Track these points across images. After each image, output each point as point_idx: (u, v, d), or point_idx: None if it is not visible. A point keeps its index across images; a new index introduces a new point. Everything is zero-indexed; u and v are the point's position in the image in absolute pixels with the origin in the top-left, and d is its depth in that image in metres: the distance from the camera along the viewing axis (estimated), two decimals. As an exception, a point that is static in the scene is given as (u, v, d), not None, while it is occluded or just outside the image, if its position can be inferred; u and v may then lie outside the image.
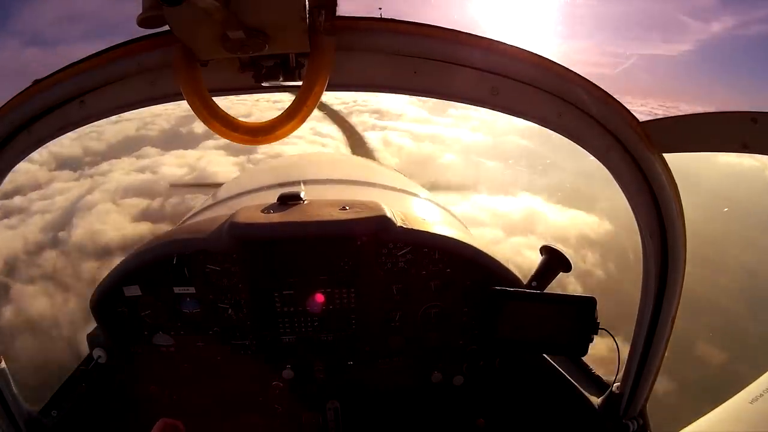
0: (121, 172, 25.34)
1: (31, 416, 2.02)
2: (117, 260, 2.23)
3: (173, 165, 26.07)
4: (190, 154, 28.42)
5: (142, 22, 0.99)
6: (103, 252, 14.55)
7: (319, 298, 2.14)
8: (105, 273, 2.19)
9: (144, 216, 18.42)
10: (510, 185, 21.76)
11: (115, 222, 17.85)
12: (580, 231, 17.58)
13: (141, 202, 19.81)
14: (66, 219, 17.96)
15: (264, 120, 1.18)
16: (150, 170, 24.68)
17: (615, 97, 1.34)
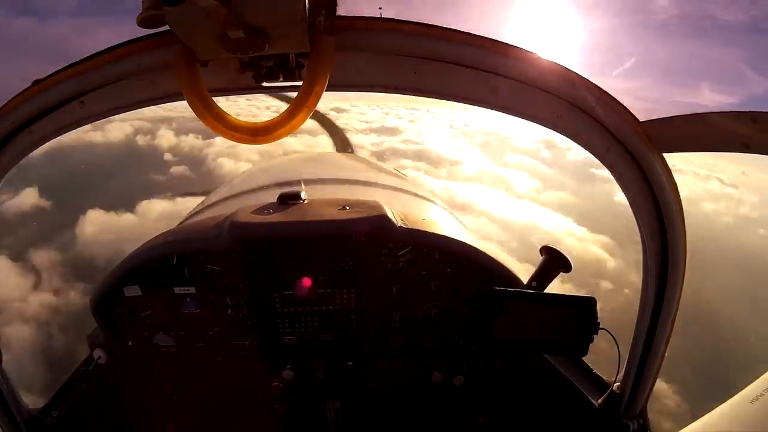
0: None
1: (31, 416, 2.03)
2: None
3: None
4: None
5: (142, 21, 0.99)
6: None
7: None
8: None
9: None
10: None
11: None
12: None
13: None
14: None
15: (264, 120, 1.18)
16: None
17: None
